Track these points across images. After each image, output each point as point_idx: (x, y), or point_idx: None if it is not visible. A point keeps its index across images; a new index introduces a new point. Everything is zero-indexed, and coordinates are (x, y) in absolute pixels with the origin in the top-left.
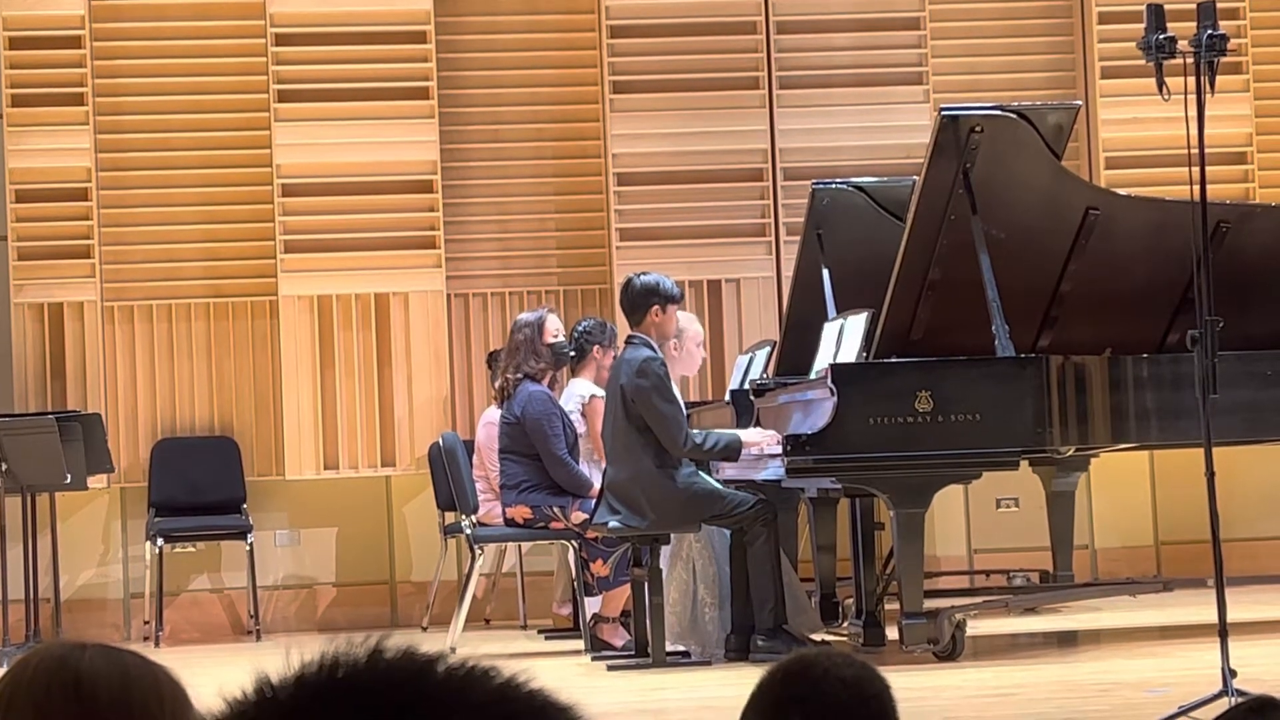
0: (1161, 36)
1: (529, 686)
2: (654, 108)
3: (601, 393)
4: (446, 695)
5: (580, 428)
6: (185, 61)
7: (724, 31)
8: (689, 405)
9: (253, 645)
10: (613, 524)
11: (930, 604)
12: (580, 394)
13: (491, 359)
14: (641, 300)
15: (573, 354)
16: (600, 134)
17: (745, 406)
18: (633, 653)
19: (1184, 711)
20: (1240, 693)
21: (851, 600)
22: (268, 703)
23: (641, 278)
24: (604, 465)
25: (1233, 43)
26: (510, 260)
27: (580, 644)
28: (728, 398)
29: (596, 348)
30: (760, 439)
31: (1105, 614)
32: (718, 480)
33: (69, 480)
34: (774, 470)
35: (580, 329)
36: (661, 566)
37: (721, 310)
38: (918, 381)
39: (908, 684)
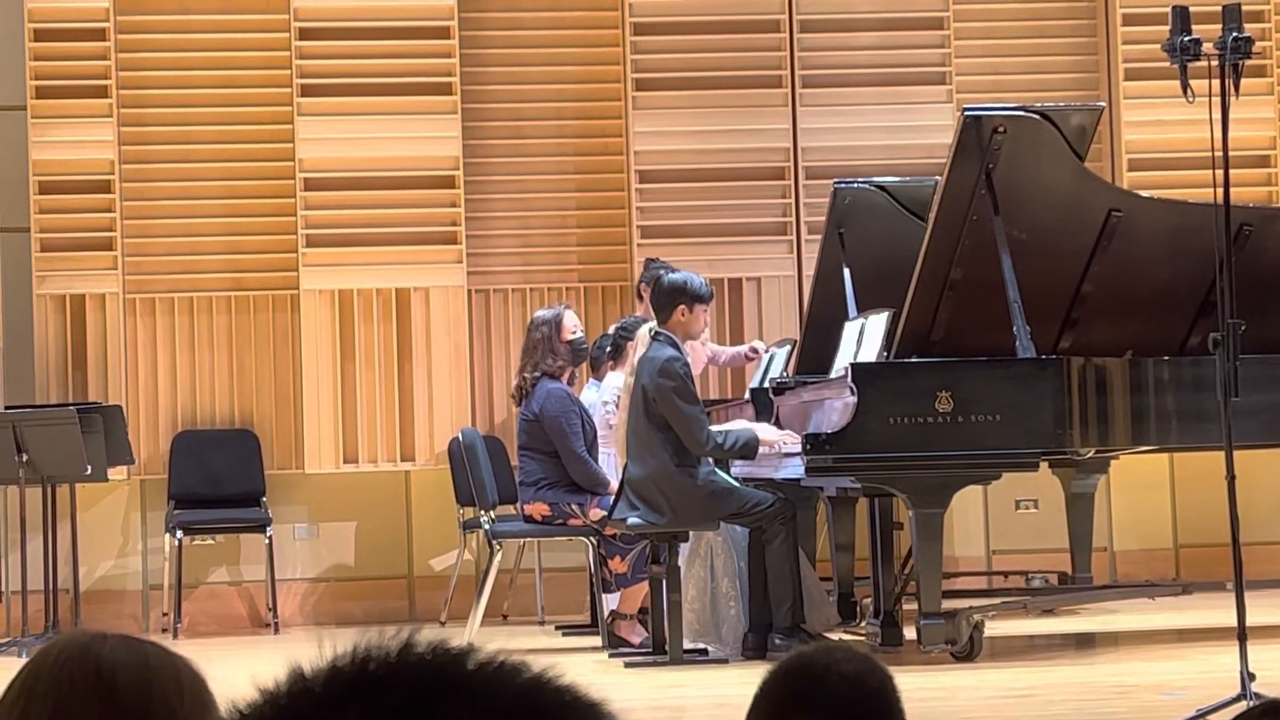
0: (1186, 39)
1: (559, 681)
2: (676, 105)
3: None
4: (477, 689)
5: (613, 419)
6: (209, 55)
7: (747, 30)
8: (709, 403)
9: (270, 638)
10: (632, 520)
11: (948, 604)
12: (617, 386)
13: None
14: (668, 299)
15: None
16: (622, 131)
17: (765, 404)
18: (650, 650)
19: (1202, 715)
20: (1258, 696)
21: (869, 600)
22: (300, 693)
23: (670, 275)
24: None
25: (1258, 46)
26: (531, 256)
27: (598, 640)
28: (747, 395)
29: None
30: (776, 437)
31: (1123, 616)
32: (735, 478)
33: (89, 471)
34: (793, 469)
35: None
36: (680, 564)
37: (742, 308)
38: (938, 382)
39: (925, 684)
